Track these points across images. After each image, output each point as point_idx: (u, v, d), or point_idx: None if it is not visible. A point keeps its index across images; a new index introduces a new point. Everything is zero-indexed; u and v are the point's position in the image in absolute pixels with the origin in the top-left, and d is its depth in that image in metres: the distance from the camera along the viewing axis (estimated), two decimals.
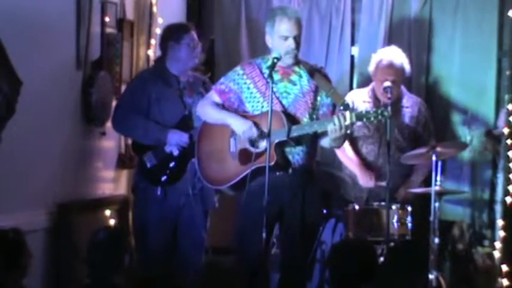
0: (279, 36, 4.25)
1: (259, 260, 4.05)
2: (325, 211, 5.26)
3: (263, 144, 4.19)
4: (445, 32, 5.70)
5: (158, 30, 5.45)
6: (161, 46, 4.94)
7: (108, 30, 5.13)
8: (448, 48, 5.68)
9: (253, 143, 4.24)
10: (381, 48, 5.58)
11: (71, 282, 4.53)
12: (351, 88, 5.76)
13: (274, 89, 4.16)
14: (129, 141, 5.14)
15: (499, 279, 5.40)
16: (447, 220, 5.53)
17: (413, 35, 5.73)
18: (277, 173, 4.05)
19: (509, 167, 5.45)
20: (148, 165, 4.75)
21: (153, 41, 5.56)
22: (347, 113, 4.09)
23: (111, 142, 5.24)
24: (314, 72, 4.34)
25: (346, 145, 5.21)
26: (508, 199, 5.43)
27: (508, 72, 5.54)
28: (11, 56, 3.97)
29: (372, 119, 4.16)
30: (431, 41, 5.72)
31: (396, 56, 5.13)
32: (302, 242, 4.29)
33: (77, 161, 4.87)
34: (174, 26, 4.95)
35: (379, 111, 4.15)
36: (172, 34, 4.84)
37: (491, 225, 5.58)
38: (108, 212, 5.11)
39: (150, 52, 5.56)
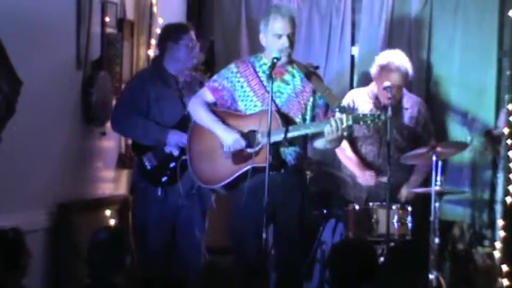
0: (273, 34, 4.24)
1: (257, 260, 4.04)
2: (325, 211, 5.27)
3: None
4: (445, 32, 5.69)
5: (158, 30, 5.45)
6: (159, 46, 4.93)
7: (108, 30, 5.13)
8: (448, 48, 5.68)
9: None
10: (381, 48, 5.60)
11: (71, 282, 4.53)
12: (351, 88, 5.76)
13: (268, 89, 4.16)
14: (129, 141, 5.14)
15: (499, 279, 5.40)
16: (447, 220, 5.53)
17: (413, 35, 5.73)
18: (270, 173, 4.05)
19: (509, 167, 5.45)
20: (148, 166, 4.74)
21: (153, 41, 5.56)
22: (344, 116, 4.09)
23: (111, 142, 5.24)
24: (311, 74, 4.32)
25: (346, 145, 5.22)
26: (508, 199, 5.43)
27: (508, 72, 5.54)
28: (11, 56, 3.97)
29: (369, 122, 4.15)
30: (431, 41, 5.71)
31: (402, 61, 5.14)
32: (297, 242, 4.28)
33: (77, 161, 4.87)
34: (173, 26, 4.94)
35: (376, 115, 4.15)
36: (171, 34, 4.83)
37: (492, 225, 5.58)
38: (108, 212, 5.11)
39: (151, 52, 5.56)
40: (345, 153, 5.28)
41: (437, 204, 4.85)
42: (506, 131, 5.47)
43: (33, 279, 3.82)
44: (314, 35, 5.93)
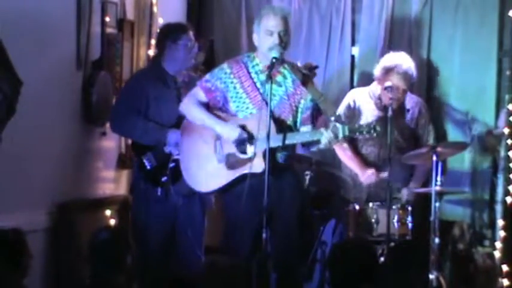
0: (264, 31, 4.23)
1: (253, 262, 4.04)
2: (325, 211, 5.27)
3: (251, 150, 4.19)
4: (445, 31, 5.69)
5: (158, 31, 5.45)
6: (158, 46, 4.93)
7: (109, 30, 5.13)
8: (448, 48, 5.68)
9: (241, 147, 4.23)
10: (381, 48, 5.61)
11: (71, 282, 4.53)
12: (351, 88, 5.76)
13: (261, 90, 4.16)
14: (129, 142, 5.14)
15: (500, 279, 5.39)
16: (447, 220, 5.52)
17: (413, 35, 5.73)
18: (263, 177, 4.04)
19: (509, 167, 5.45)
20: (148, 166, 4.74)
21: (153, 41, 5.55)
22: (340, 127, 4.08)
23: (111, 142, 5.24)
24: (307, 80, 4.30)
25: (347, 145, 5.21)
26: (509, 199, 5.42)
27: (508, 72, 5.53)
28: (11, 56, 3.97)
29: (364, 133, 4.15)
30: (431, 41, 5.71)
31: (409, 64, 5.14)
32: (293, 242, 4.28)
33: (77, 161, 4.87)
34: (172, 25, 4.94)
35: (372, 126, 4.14)
36: (170, 34, 4.83)
37: (492, 225, 5.57)
38: (108, 212, 5.11)
39: (151, 52, 5.55)
40: (346, 153, 5.28)
41: (437, 204, 4.84)
42: (506, 131, 5.47)
43: (34, 279, 3.82)
44: (314, 35, 5.92)
